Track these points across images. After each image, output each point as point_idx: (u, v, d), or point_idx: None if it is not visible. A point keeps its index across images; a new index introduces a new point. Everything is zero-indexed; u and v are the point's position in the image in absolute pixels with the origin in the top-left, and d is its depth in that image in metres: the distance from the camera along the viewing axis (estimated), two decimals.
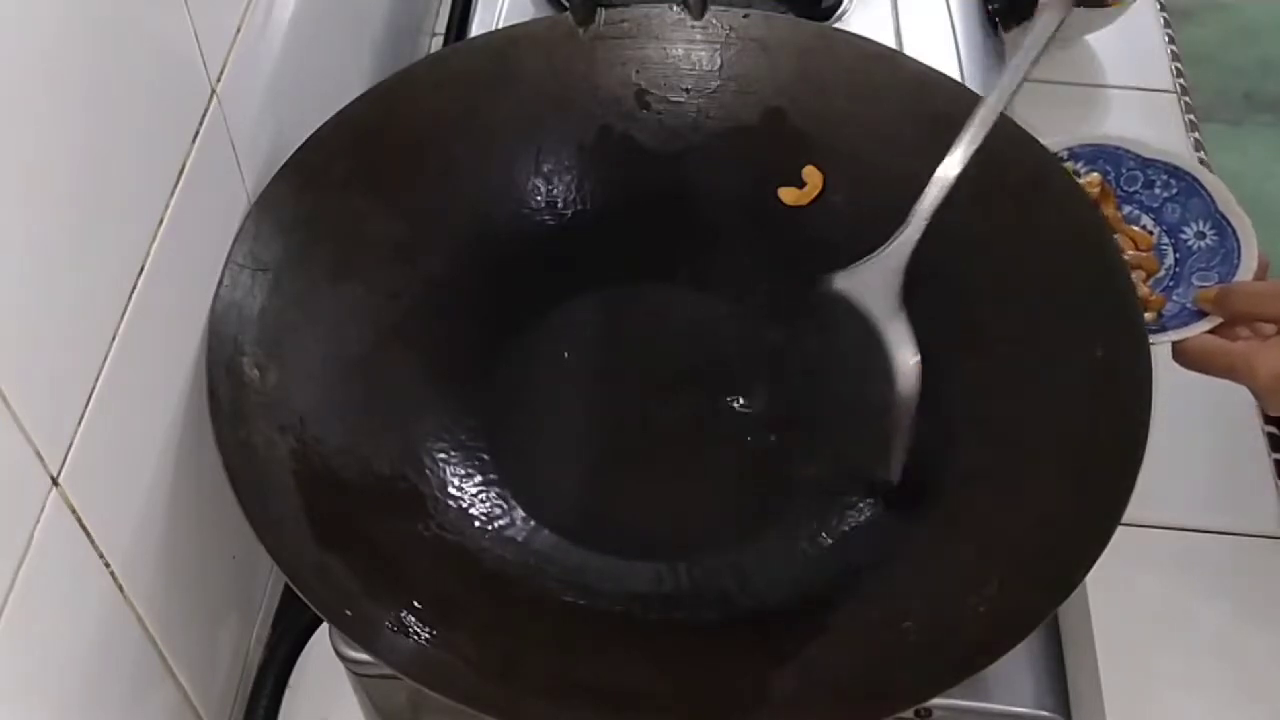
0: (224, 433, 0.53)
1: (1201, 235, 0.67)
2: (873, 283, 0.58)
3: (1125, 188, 0.69)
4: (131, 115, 0.48)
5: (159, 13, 0.50)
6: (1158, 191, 0.68)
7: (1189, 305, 0.63)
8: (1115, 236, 0.65)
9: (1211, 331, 0.61)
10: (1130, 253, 0.67)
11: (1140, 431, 0.54)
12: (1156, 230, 0.68)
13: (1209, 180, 0.67)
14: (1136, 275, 0.65)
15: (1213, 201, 0.67)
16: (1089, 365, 0.58)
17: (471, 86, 0.68)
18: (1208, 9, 2.04)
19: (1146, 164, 0.69)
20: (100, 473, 0.47)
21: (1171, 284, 0.66)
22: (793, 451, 0.64)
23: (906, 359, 0.56)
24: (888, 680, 0.52)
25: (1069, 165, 0.69)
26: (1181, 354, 0.61)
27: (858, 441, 0.61)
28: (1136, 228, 0.68)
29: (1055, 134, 0.69)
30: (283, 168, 0.61)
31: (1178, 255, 0.67)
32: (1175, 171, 0.68)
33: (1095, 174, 0.69)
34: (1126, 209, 0.68)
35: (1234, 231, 0.65)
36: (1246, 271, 0.64)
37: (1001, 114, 0.66)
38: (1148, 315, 0.63)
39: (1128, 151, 0.69)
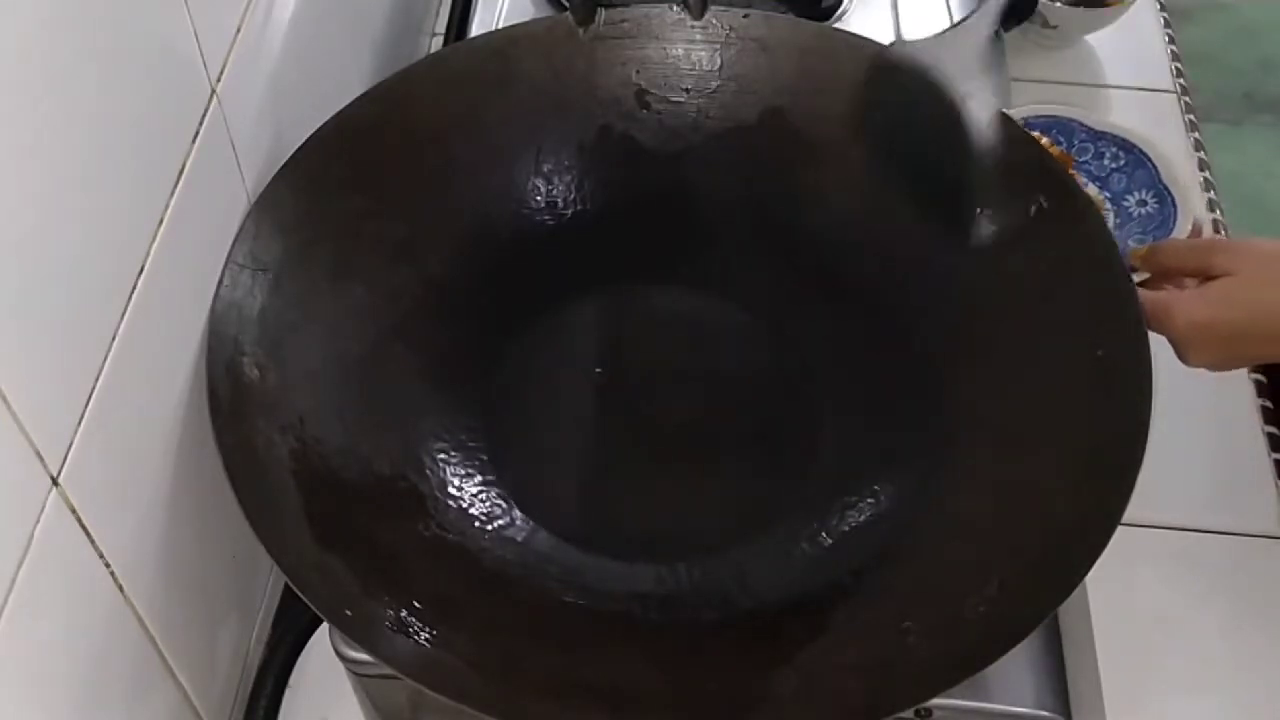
0: (224, 433, 0.53)
1: (1143, 204, 0.70)
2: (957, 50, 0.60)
3: (1076, 157, 0.72)
4: (131, 115, 0.48)
5: (159, 13, 0.50)
6: (1106, 162, 0.71)
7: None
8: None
9: (1140, 285, 0.63)
10: None
11: (1140, 431, 0.54)
12: (1100, 197, 0.71)
13: (1156, 153, 0.70)
14: None
15: (1157, 172, 0.70)
16: (1089, 365, 0.58)
17: (471, 86, 0.68)
18: (1208, 9, 2.04)
19: (1097, 136, 0.72)
20: (100, 473, 0.47)
21: None
22: (793, 451, 0.64)
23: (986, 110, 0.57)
24: (888, 680, 0.52)
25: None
26: None
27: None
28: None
29: None
30: (283, 168, 0.61)
31: (1117, 220, 0.70)
32: (1124, 144, 0.71)
33: (1048, 140, 0.72)
34: (1081, 177, 0.71)
35: (1173, 200, 0.68)
36: (1180, 234, 0.67)
37: (1002, 114, 0.67)
38: None
39: (1080, 123, 0.72)
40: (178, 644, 0.55)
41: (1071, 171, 0.71)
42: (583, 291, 0.69)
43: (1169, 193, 0.69)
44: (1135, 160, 0.71)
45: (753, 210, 0.70)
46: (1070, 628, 0.63)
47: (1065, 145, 0.72)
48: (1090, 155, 0.71)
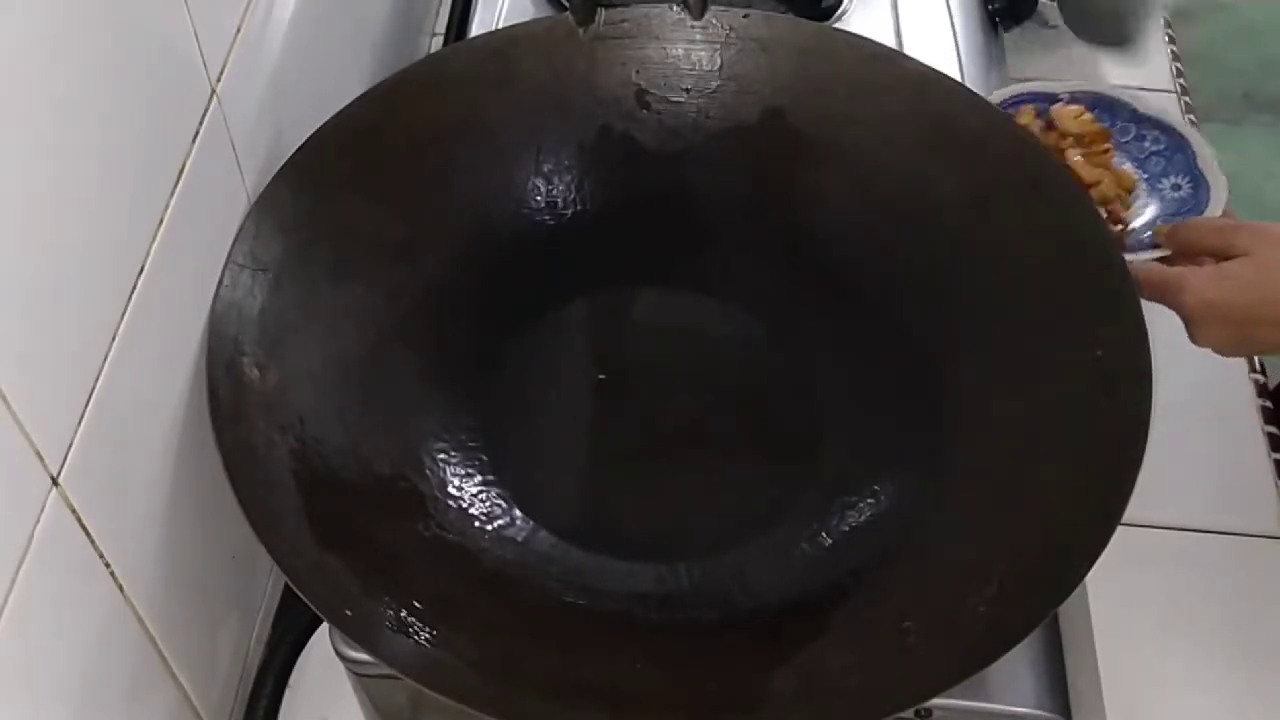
0: (224, 433, 0.53)
1: (1177, 187, 0.71)
2: None
3: (1118, 137, 0.73)
4: (131, 115, 0.48)
5: (159, 13, 0.50)
6: (1147, 145, 0.73)
7: (1145, 239, 0.67)
8: (1100, 173, 0.70)
9: (1160, 261, 0.64)
10: (1110, 190, 0.71)
11: (1140, 431, 0.54)
12: (1136, 176, 0.72)
13: (1196, 140, 0.72)
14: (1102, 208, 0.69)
15: (1194, 158, 0.71)
16: (1089, 365, 0.58)
17: (471, 86, 0.68)
18: (1208, 9, 2.04)
19: (1141, 119, 0.73)
20: (100, 473, 0.47)
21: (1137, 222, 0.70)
22: (793, 451, 0.64)
23: None
24: (888, 680, 0.52)
25: (1072, 107, 0.73)
26: None
27: None
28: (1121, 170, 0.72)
29: None
30: (283, 168, 0.61)
31: (1149, 200, 0.72)
32: (1167, 129, 0.73)
33: (1090, 116, 0.73)
34: (1122, 157, 0.73)
35: (1207, 186, 0.70)
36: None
37: (1001, 114, 0.67)
38: None
39: (1127, 105, 0.73)
40: (178, 644, 0.55)
41: (1108, 146, 0.72)
42: (583, 292, 0.69)
43: (1204, 178, 0.70)
44: (1175, 145, 0.72)
45: (753, 210, 0.70)
46: (1070, 628, 0.63)
47: (1108, 123, 0.73)
48: (1132, 136, 0.73)
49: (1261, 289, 0.57)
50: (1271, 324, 0.57)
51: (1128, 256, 0.64)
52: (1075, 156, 0.71)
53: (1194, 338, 0.58)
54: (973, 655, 0.50)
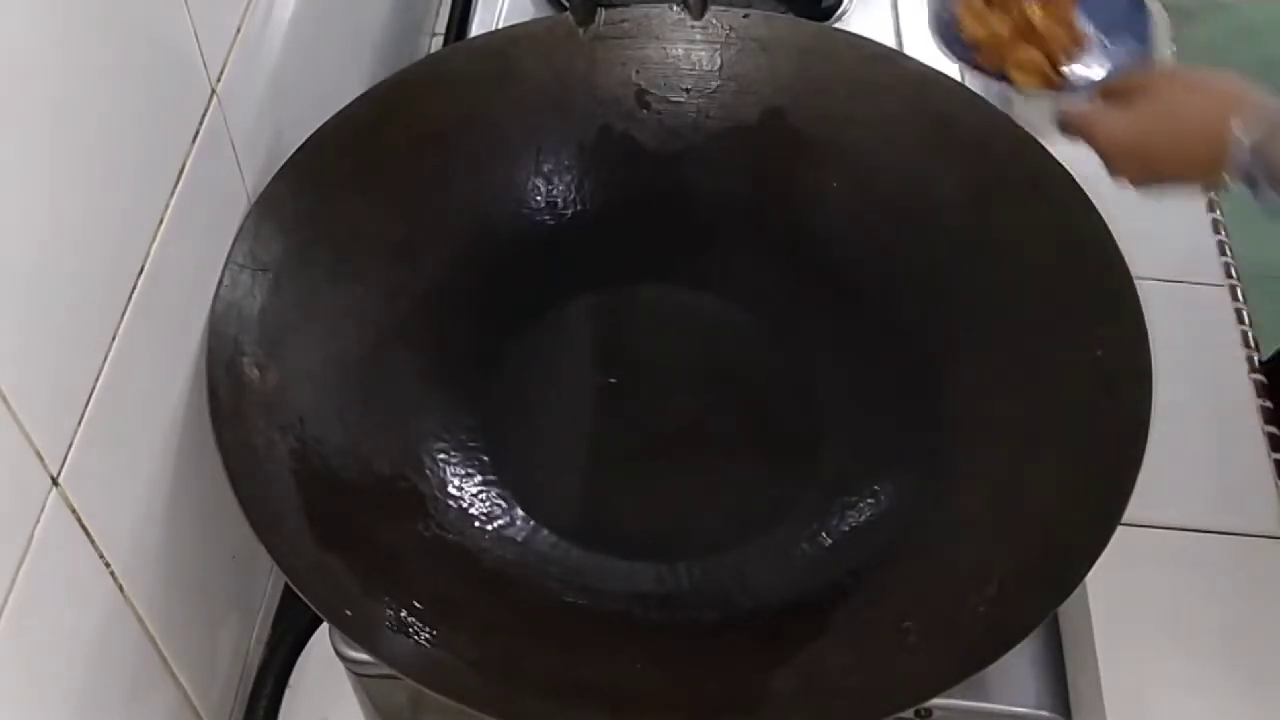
0: (224, 433, 0.53)
1: (1132, 51, 0.75)
2: None
3: (1091, 2, 0.77)
4: (132, 115, 0.48)
5: (159, 13, 0.50)
6: (1114, 11, 0.77)
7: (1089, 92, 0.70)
8: (1051, 26, 0.73)
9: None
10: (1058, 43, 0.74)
11: (1140, 431, 0.54)
12: (1096, 37, 0.76)
13: (1157, 11, 0.76)
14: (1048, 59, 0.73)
15: (1150, 25, 0.76)
16: (1089, 365, 0.58)
17: (471, 86, 0.68)
18: (1208, 9, 2.04)
19: None
20: (100, 473, 0.47)
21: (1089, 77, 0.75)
22: (793, 451, 0.64)
23: None
24: (888, 680, 0.52)
25: None
26: (1057, 117, 0.65)
27: None
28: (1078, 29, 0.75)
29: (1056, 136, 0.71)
30: (283, 168, 0.61)
31: (1102, 55, 0.76)
32: (1139, 6, 0.77)
33: None
34: (1083, 15, 0.76)
35: (1153, 54, 0.75)
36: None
37: (1001, 114, 0.67)
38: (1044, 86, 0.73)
39: None
40: (178, 644, 0.55)
41: (1070, 4, 0.74)
42: (583, 292, 0.69)
43: (1153, 43, 0.74)
44: (1137, 10, 0.76)
45: (753, 210, 0.70)
46: (1070, 628, 0.63)
47: None
48: (1102, 2, 0.76)
49: (1164, 127, 0.61)
50: (1172, 159, 0.61)
51: (1062, 100, 0.67)
52: (1033, 7, 0.73)
53: (1109, 173, 0.62)
54: (973, 655, 0.50)
